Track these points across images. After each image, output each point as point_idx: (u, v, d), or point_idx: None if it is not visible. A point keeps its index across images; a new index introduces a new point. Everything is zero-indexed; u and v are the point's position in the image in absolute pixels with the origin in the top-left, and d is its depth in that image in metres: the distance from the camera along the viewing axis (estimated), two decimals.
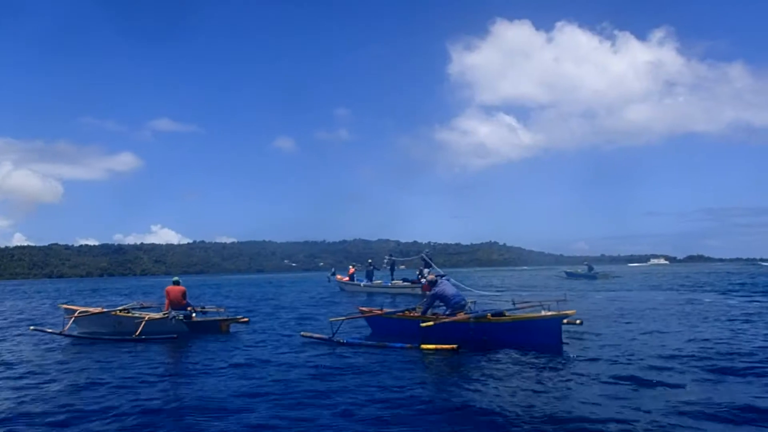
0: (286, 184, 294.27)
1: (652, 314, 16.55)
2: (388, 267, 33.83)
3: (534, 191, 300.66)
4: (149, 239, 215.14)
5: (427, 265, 30.90)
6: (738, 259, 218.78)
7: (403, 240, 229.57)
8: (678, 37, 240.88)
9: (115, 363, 10.92)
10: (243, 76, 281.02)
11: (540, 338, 10.76)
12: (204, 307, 16.47)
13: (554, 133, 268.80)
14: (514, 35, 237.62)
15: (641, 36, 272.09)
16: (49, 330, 14.91)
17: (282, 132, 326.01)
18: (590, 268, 47.16)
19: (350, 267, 35.54)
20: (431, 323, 11.24)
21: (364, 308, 15.01)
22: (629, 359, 9.51)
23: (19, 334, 16.00)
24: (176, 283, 15.75)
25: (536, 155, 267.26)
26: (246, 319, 15.97)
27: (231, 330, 15.30)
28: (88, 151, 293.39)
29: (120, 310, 15.79)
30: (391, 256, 34.86)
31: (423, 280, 28.44)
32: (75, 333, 14.69)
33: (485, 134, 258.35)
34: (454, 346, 10.51)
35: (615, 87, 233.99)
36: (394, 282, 31.33)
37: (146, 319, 14.49)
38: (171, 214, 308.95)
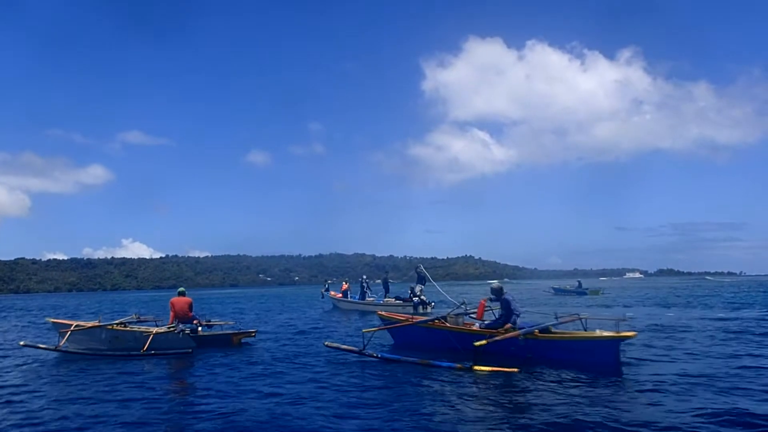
0: (261, 197, 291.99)
1: (685, 332, 15.62)
2: (382, 284, 32.58)
3: (507, 206, 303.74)
4: (120, 253, 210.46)
5: (421, 281, 29.87)
6: (706, 273, 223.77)
7: (378, 254, 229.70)
8: (645, 56, 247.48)
9: (123, 382, 9.75)
10: (216, 90, 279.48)
11: (595, 358, 9.95)
12: (210, 321, 15.20)
13: (526, 148, 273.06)
14: (486, 53, 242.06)
15: (610, 55, 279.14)
16: (43, 346, 13.48)
17: (256, 145, 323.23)
18: (580, 284, 46.87)
19: (343, 283, 34.20)
20: (485, 342, 10.13)
21: (385, 313, 14.00)
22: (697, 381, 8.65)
23: (7, 351, 14.52)
24: (182, 293, 14.54)
25: (509, 170, 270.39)
26: (254, 332, 14.78)
27: (242, 343, 14.15)
28: (56, 163, 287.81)
29: (117, 324, 14.46)
30: (386, 272, 33.66)
31: (415, 299, 27.56)
32: (71, 349, 13.31)
33: (459, 149, 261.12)
34: (515, 369, 9.44)
35: (585, 104, 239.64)
36: (386, 300, 30.10)
37: (153, 333, 13.18)
38: (142, 228, 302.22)
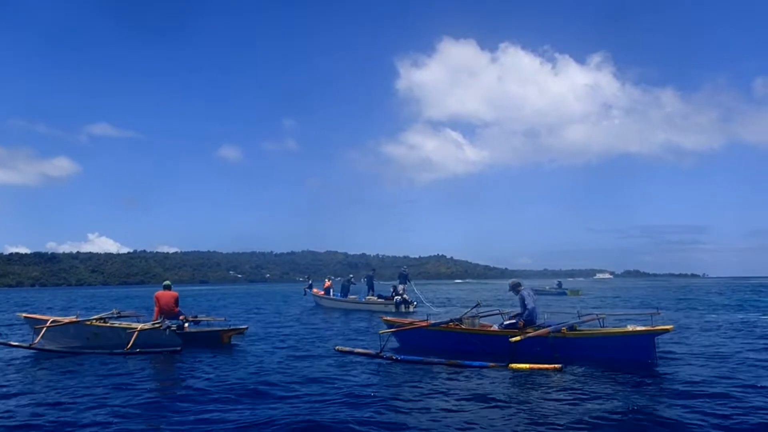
0: (232, 193, 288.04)
1: (697, 331, 15.31)
2: (365, 282, 31.93)
3: (479, 206, 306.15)
4: (86, 248, 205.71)
5: (404, 281, 29.45)
6: (671, 275, 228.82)
7: (351, 252, 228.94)
8: (614, 62, 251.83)
9: (103, 382, 8.90)
10: (186, 84, 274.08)
11: (630, 355, 9.56)
12: (197, 316, 14.36)
13: (499, 149, 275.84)
14: (460, 54, 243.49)
15: (580, 60, 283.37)
16: (15, 343, 12.50)
17: (227, 140, 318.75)
18: (560, 285, 47.12)
19: (326, 280, 33.47)
20: (519, 338, 9.58)
21: (391, 318, 13.37)
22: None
23: None
24: (167, 287, 13.70)
25: (481, 171, 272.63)
26: (245, 329, 14.00)
27: (231, 341, 13.36)
28: (19, 154, 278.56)
29: (96, 320, 13.52)
30: (373, 270, 33.00)
31: (397, 297, 27.08)
32: (47, 347, 12.36)
33: (432, 149, 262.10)
34: (558, 365, 8.84)
35: (556, 108, 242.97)
36: (368, 298, 29.64)
37: (138, 329, 12.30)
38: (109, 222, 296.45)
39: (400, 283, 29.08)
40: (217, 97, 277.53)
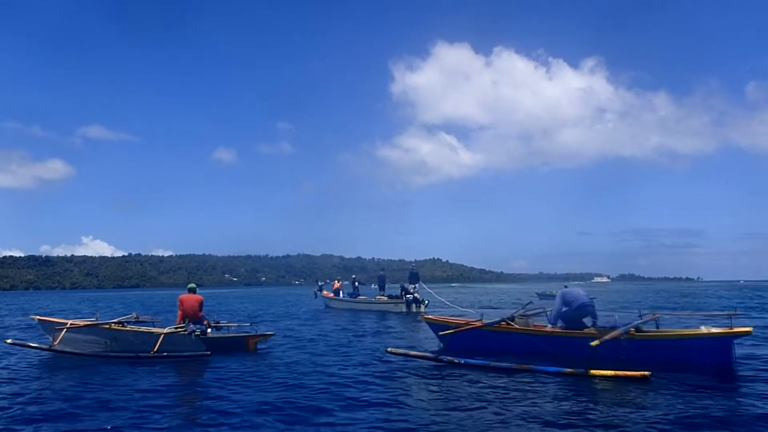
0: (227, 196, 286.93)
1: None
2: (378, 281, 31.60)
3: (474, 209, 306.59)
4: (80, 251, 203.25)
5: (414, 280, 29.11)
6: (665, 278, 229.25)
7: (347, 255, 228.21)
8: (607, 66, 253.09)
9: (128, 387, 8.51)
10: (181, 86, 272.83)
11: (707, 358, 9.11)
12: (218, 321, 13.83)
13: (493, 153, 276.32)
14: (454, 58, 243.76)
15: (574, 64, 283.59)
16: (34, 345, 12.02)
17: (222, 143, 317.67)
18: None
19: (335, 281, 33.27)
20: (598, 342, 8.83)
21: (433, 317, 12.81)
22: None
23: None
24: (192, 290, 13.21)
25: (476, 174, 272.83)
26: (272, 334, 13.49)
27: (257, 348, 12.85)
28: (13, 156, 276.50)
29: (115, 323, 13.02)
30: (383, 270, 32.68)
31: (408, 296, 26.70)
32: (68, 349, 11.87)
33: (427, 152, 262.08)
34: (646, 373, 8.05)
35: (550, 111, 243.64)
36: (377, 297, 29.33)
37: (164, 333, 11.81)
38: (104, 225, 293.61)
39: (411, 283, 28.78)
40: (212, 100, 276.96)
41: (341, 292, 31.90)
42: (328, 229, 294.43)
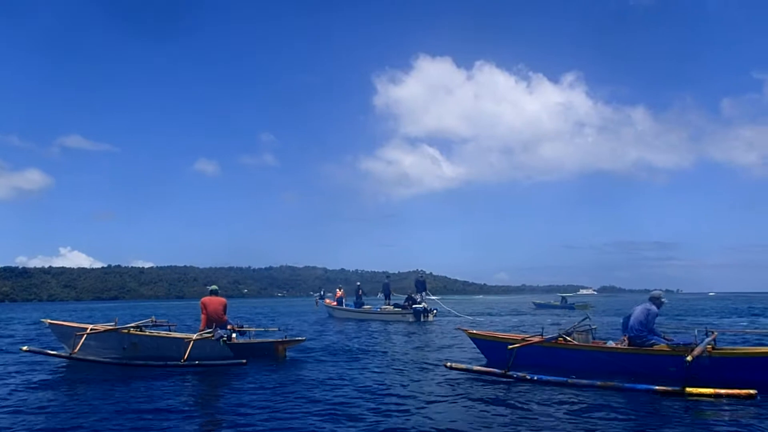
0: (209, 207, 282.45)
1: None
2: (383, 290, 30.90)
3: (457, 222, 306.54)
4: (57, 262, 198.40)
5: (421, 289, 28.56)
6: (646, 290, 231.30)
7: (330, 267, 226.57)
8: (586, 81, 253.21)
9: (156, 398, 7.85)
10: (161, 97, 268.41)
11: None
12: (242, 326, 13.11)
13: (475, 166, 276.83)
14: (436, 71, 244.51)
15: (553, 79, 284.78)
16: (52, 352, 11.17)
17: (204, 154, 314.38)
18: (564, 299, 46.79)
19: (338, 290, 32.50)
20: (691, 357, 8.01)
21: (477, 331, 12.12)
22: None
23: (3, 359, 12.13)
24: (214, 292, 12.54)
25: (459, 187, 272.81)
26: (303, 339, 12.81)
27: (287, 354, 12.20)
28: None
29: (134, 328, 12.25)
30: (387, 278, 32.02)
31: (417, 306, 26.06)
32: (89, 356, 11.08)
33: (409, 165, 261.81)
34: (752, 391, 7.36)
35: (530, 125, 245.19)
36: (383, 307, 28.67)
37: (193, 339, 11.08)
38: (82, 236, 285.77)
39: (417, 292, 28.18)
40: (194, 111, 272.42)
41: (344, 300, 31.15)
42: (311, 240, 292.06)
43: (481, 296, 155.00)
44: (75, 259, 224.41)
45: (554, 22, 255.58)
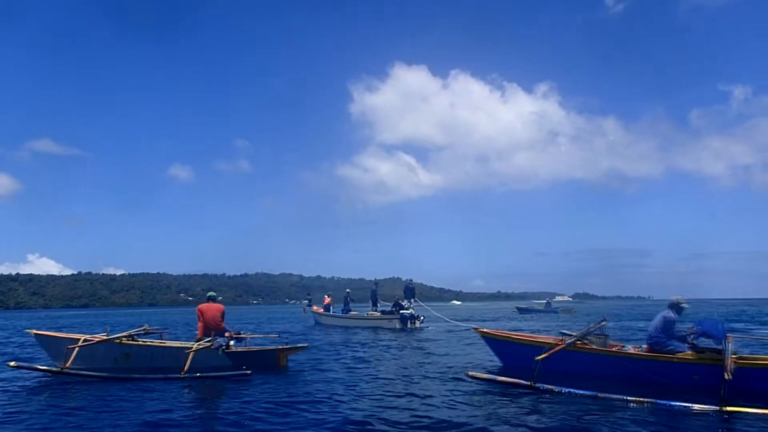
0: (183, 213, 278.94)
1: None
2: (370, 296, 30.51)
3: (433, 229, 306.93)
4: (25, 269, 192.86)
5: (410, 295, 28.25)
6: (619, 297, 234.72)
7: (306, 274, 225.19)
8: (559, 91, 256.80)
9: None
10: (134, 100, 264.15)
11: None
12: (240, 333, 12.60)
13: (451, 173, 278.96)
14: (412, 79, 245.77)
15: (527, 89, 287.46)
16: (43, 367, 10.53)
17: (178, 160, 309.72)
18: (548, 304, 47.12)
19: (326, 297, 32.12)
20: (730, 373, 7.59)
21: (490, 330, 11.67)
22: None
23: None
24: (212, 299, 12.05)
25: (434, 194, 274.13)
26: (305, 346, 12.35)
27: (287, 362, 11.76)
28: None
29: (126, 337, 11.65)
30: (375, 284, 31.58)
31: (404, 312, 25.73)
32: (82, 371, 10.46)
33: (386, 172, 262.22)
34: None
35: (504, 134, 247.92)
36: (369, 313, 28.29)
37: (193, 350, 10.55)
38: (51, 243, 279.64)
39: (407, 298, 27.86)
40: (167, 115, 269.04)
41: (331, 307, 30.78)
42: (286, 247, 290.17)
43: (458, 303, 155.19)
44: (44, 265, 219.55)
45: (528, 33, 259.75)
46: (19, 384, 9.92)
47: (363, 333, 22.90)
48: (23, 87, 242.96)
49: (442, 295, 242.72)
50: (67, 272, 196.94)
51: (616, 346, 10.12)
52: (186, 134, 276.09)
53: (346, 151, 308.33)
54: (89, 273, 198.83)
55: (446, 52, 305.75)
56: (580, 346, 9.71)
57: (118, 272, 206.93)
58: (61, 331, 13.68)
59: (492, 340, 11.25)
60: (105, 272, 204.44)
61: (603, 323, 9.96)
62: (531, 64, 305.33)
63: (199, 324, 11.59)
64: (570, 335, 10.07)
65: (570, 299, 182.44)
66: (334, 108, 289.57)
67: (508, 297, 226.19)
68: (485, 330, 11.61)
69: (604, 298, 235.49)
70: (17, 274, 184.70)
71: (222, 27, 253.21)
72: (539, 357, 8.96)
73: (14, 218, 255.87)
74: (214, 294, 12.21)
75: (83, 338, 11.16)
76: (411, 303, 27.42)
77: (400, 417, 7.01)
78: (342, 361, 12.70)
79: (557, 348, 9.44)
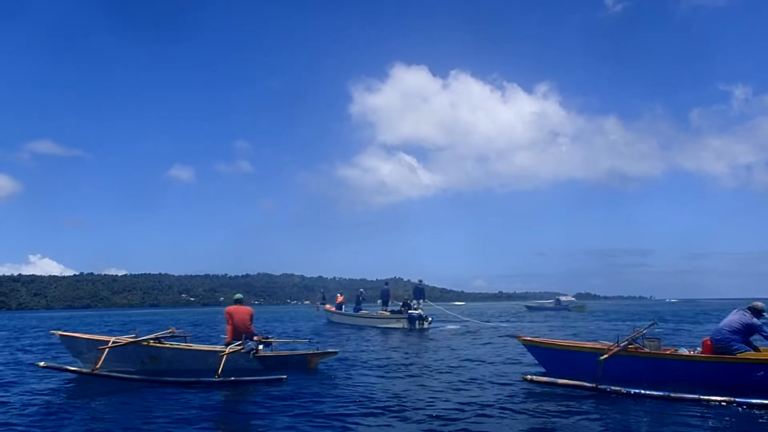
0: (184, 214, 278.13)
1: None
2: (381, 296, 30.49)
3: (435, 229, 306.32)
4: (27, 270, 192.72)
5: (419, 296, 28.16)
6: (620, 297, 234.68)
7: (307, 275, 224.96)
8: (559, 91, 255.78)
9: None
10: (135, 101, 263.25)
11: None
12: (267, 336, 12.31)
13: (451, 174, 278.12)
14: (412, 80, 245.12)
15: (528, 89, 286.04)
16: (73, 368, 10.27)
17: (178, 160, 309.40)
18: (558, 302, 46.72)
19: (338, 296, 32.37)
20: None
21: (529, 338, 11.33)
22: None
23: (17, 376, 11.14)
24: (239, 301, 11.81)
25: (435, 194, 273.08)
26: (335, 352, 12.06)
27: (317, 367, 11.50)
28: None
29: (153, 340, 11.37)
30: (386, 284, 31.52)
31: (412, 312, 25.59)
32: (114, 373, 10.22)
33: (386, 172, 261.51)
34: None
35: (505, 134, 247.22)
36: (379, 312, 28.28)
37: (226, 353, 10.28)
38: (53, 244, 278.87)
39: (416, 298, 27.92)
40: (168, 116, 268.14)
41: (343, 306, 31.12)
42: (288, 248, 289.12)
43: (460, 303, 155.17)
44: (45, 266, 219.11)
45: (528, 33, 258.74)
46: (49, 386, 9.78)
47: (372, 331, 22.88)
48: (23, 87, 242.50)
49: (444, 295, 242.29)
50: (69, 273, 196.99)
51: (670, 349, 9.82)
52: (186, 135, 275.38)
53: (346, 152, 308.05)
54: (91, 274, 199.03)
55: (446, 52, 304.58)
56: (633, 350, 9.39)
57: (120, 273, 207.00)
58: (76, 332, 13.41)
59: (535, 348, 10.83)
60: (107, 273, 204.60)
61: (653, 325, 9.65)
62: (531, 64, 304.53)
63: (228, 327, 11.33)
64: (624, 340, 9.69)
65: (574, 299, 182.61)
66: (334, 108, 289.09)
67: (509, 297, 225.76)
68: (529, 338, 11.24)
69: (606, 297, 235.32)
70: (19, 274, 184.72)
71: (222, 28, 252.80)
72: (602, 357, 8.67)
73: (16, 219, 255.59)
74: (241, 296, 11.95)
75: (112, 340, 10.89)
76: (420, 303, 27.42)
77: (459, 427, 6.71)
78: (370, 363, 12.41)
79: (613, 351, 9.09)
